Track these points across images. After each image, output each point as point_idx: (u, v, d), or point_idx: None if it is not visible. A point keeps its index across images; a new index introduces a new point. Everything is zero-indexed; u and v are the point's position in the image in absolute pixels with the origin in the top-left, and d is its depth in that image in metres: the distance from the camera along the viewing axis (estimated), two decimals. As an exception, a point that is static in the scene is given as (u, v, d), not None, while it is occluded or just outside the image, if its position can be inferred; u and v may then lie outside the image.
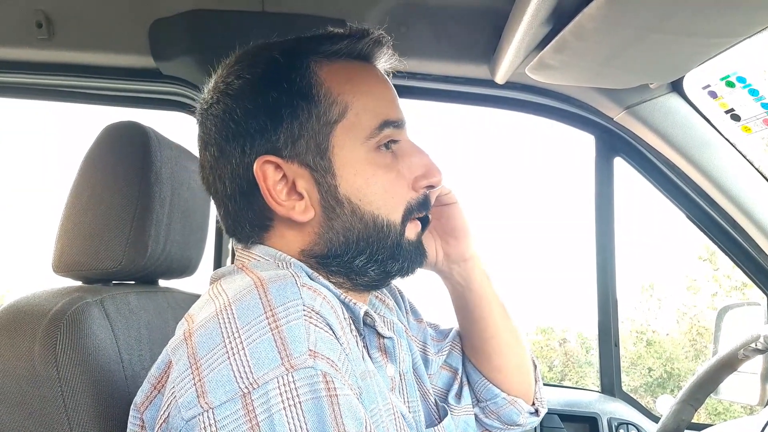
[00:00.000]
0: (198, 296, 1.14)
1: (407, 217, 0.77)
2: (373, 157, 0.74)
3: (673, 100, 1.42)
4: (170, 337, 0.99)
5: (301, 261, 0.74)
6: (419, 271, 0.83)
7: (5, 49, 1.54)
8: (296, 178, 0.73)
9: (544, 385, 1.16)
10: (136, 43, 1.48)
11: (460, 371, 0.97)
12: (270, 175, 0.72)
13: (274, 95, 0.72)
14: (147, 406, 0.65)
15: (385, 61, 0.80)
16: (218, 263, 1.69)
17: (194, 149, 1.13)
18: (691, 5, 0.94)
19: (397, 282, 0.91)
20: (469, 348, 0.97)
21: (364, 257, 0.74)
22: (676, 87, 1.40)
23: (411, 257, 0.79)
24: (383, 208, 0.74)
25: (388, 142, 0.75)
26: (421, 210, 0.79)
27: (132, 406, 0.67)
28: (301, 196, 0.73)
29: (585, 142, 1.72)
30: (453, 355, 0.98)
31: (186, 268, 1.10)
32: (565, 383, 7.61)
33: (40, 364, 0.76)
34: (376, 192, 0.74)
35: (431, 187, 0.79)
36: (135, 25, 1.47)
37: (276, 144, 0.72)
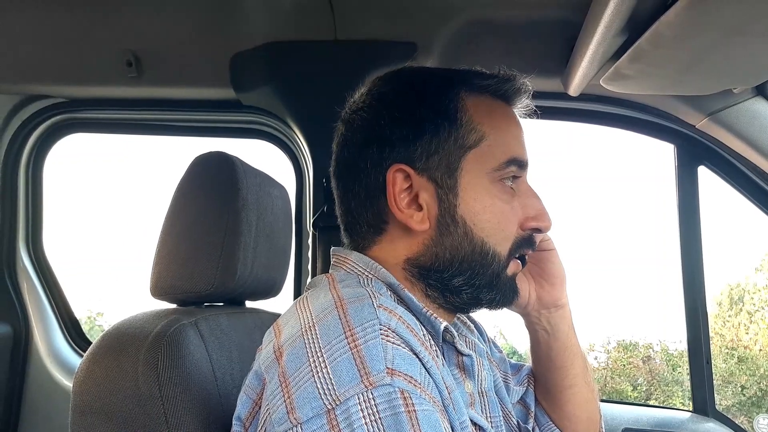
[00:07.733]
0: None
1: (513, 252, 0.80)
2: (494, 188, 0.78)
3: (759, 104, 1.37)
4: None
5: (404, 268, 0.78)
6: (507, 312, 0.86)
7: (99, 87, 1.66)
8: (420, 191, 0.77)
9: (630, 404, 1.13)
10: (217, 76, 1.57)
11: (533, 410, 0.98)
12: (398, 183, 0.76)
13: (422, 110, 0.78)
14: (251, 421, 0.69)
15: (521, 107, 0.85)
16: (298, 283, 1.74)
17: (275, 175, 1.18)
18: (775, 6, 0.90)
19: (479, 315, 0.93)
20: (542, 392, 0.98)
21: (462, 279, 0.77)
22: (761, 90, 1.35)
23: (504, 292, 0.81)
24: (493, 237, 0.77)
25: (510, 176, 0.79)
26: (526, 247, 0.82)
27: (235, 420, 0.71)
28: (420, 208, 0.77)
29: (658, 149, 1.67)
30: (529, 393, 0.99)
31: (271, 289, 1.14)
32: (650, 403, 7.27)
33: (144, 384, 0.81)
34: (490, 220, 0.77)
35: (538, 230, 0.82)
36: (216, 60, 1.55)
37: (412, 155, 0.77)
